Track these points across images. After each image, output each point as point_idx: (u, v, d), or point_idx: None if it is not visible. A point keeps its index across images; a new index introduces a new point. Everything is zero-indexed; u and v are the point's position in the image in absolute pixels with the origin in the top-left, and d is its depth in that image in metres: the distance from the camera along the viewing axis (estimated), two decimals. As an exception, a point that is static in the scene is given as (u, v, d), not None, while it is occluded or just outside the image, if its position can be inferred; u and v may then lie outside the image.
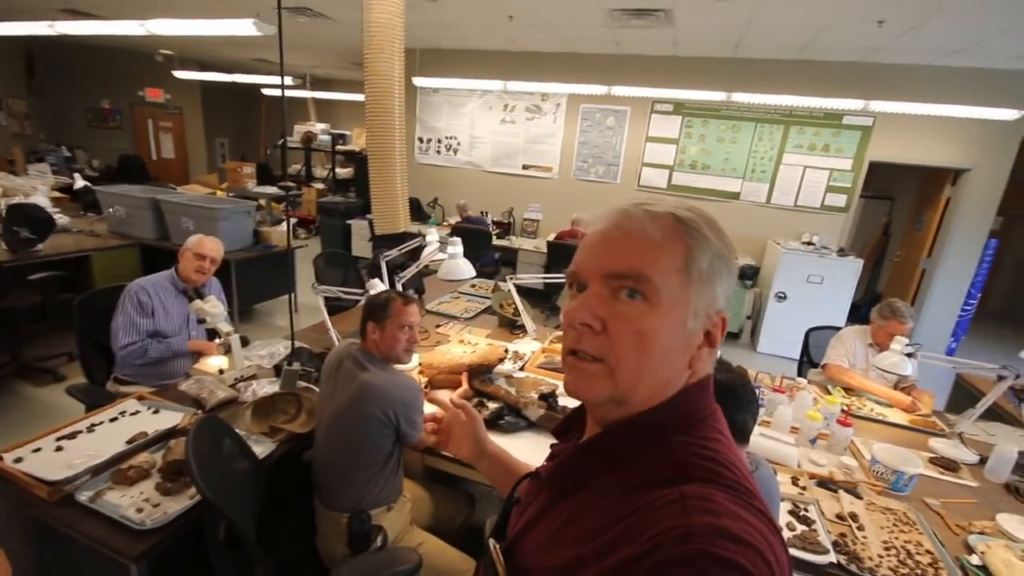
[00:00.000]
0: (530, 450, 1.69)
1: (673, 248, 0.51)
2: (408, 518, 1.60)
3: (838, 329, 2.68)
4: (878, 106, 3.91)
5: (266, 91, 8.89)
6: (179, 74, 7.16)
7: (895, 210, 6.67)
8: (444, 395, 1.94)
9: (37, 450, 1.42)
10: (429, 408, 1.78)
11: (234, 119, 10.60)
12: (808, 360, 2.95)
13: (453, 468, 1.66)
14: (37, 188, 4.93)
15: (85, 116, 9.14)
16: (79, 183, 5.38)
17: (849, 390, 2.41)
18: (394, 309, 1.58)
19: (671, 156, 5.53)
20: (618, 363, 0.51)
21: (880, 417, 2.20)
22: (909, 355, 1.98)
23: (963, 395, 2.76)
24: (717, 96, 4.29)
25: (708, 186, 5.42)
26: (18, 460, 1.36)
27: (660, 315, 0.50)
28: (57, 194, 5.21)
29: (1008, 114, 3.65)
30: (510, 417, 1.80)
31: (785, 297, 4.79)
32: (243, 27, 2.87)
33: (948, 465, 1.84)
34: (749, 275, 4.96)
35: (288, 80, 8.05)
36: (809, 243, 4.94)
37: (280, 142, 8.42)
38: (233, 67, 7.77)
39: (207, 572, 1.27)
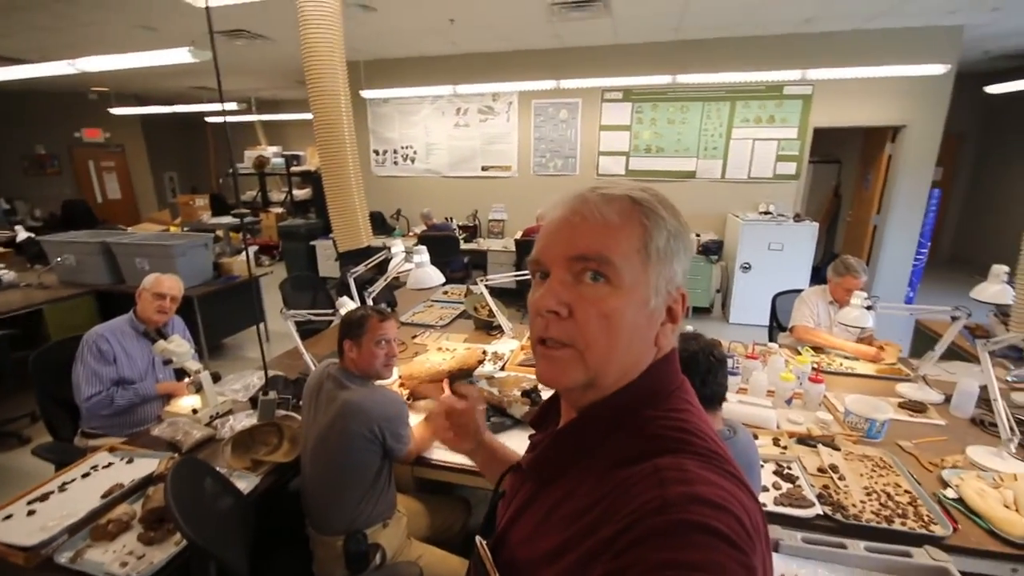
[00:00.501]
0: (518, 447, 1.69)
1: (631, 230, 0.52)
2: (405, 532, 1.59)
3: (801, 291, 2.77)
4: (815, 74, 4.05)
5: (210, 119, 8.65)
6: (116, 111, 6.91)
7: (843, 172, 6.94)
8: (428, 403, 1.93)
9: (8, 517, 1.36)
10: (414, 419, 1.76)
11: (180, 151, 10.28)
12: (777, 325, 3.05)
13: (444, 476, 1.65)
14: (-24, 246, 4.68)
15: (20, 165, 8.71)
16: (22, 235, 5.12)
17: (818, 348, 2.50)
18: (370, 326, 1.57)
19: (626, 142, 5.62)
20: (587, 346, 0.51)
21: (849, 370, 2.29)
22: (868, 308, 2.06)
23: (924, 340, 2.89)
24: (663, 79, 4.38)
25: (664, 168, 5.53)
26: (-13, 530, 1.30)
27: (624, 296, 0.51)
28: (0, 249, 4.96)
29: (937, 69, 3.84)
30: (495, 418, 1.80)
31: (750, 267, 4.93)
32: (178, 56, 2.79)
33: (916, 407, 1.93)
34: (714, 250, 5.09)
35: (232, 105, 7.87)
36: (766, 212, 5.09)
37: (230, 171, 8.21)
38: (173, 98, 7.53)
39: (203, 617, 1.24)
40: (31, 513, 1.38)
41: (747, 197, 5.38)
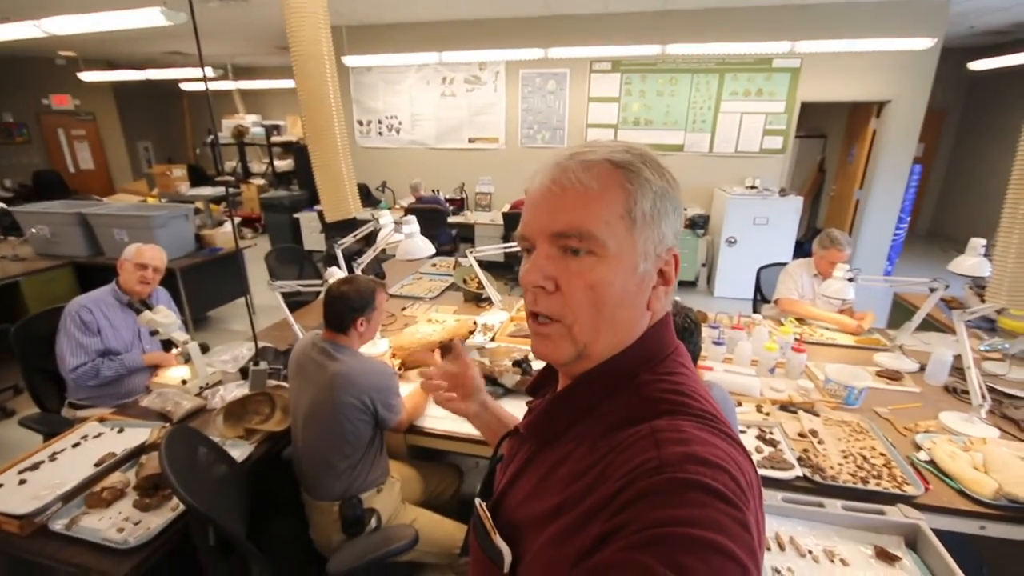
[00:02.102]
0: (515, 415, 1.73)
1: (612, 196, 0.50)
2: (399, 497, 1.62)
3: (784, 265, 2.83)
4: (804, 47, 4.04)
5: (185, 86, 8.33)
6: (86, 76, 6.59)
7: (828, 147, 6.99)
8: (422, 371, 1.95)
9: (-1, 487, 1.35)
10: (405, 389, 1.78)
11: (155, 120, 9.91)
12: (761, 297, 3.11)
13: (437, 444, 1.68)
14: (-56, 217, 4.50)
15: (-14, 133, 8.34)
16: (-9, 206, 4.94)
17: (800, 320, 2.56)
18: (380, 300, 1.60)
19: (614, 114, 5.57)
20: (575, 320, 0.51)
21: (830, 341, 2.36)
22: (850, 280, 2.11)
23: (901, 312, 2.98)
24: (652, 50, 4.33)
25: (653, 140, 5.50)
26: (-22, 500, 1.29)
27: (609, 266, 0.50)
28: (-32, 221, 4.78)
29: (923, 43, 3.85)
30: (487, 387, 1.82)
31: (735, 241, 4.99)
32: (150, 18, 2.67)
33: (892, 376, 2.01)
34: (700, 224, 5.12)
35: (208, 72, 7.56)
36: (752, 187, 5.13)
37: (209, 140, 7.96)
38: (146, 63, 7.20)
39: (202, 579, 1.26)
40: (22, 482, 1.37)
41: (734, 171, 5.40)
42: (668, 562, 0.37)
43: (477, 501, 0.61)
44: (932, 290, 2.05)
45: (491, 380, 1.84)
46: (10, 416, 2.99)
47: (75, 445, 1.55)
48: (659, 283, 0.54)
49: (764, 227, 4.89)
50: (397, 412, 1.54)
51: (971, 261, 2.08)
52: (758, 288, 3.13)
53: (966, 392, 1.82)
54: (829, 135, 6.90)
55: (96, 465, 1.43)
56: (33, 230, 3.86)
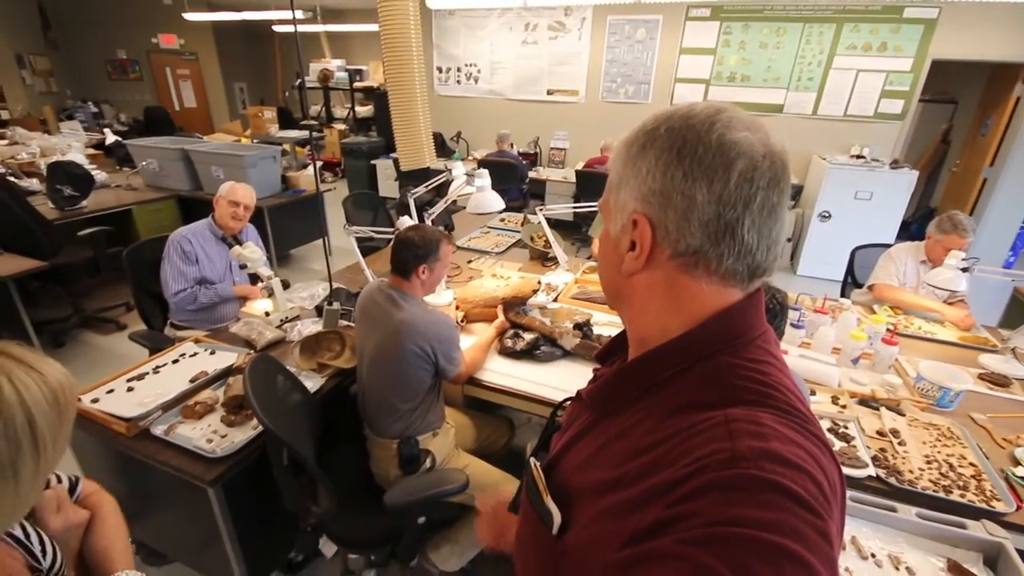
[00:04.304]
0: (567, 378, 1.73)
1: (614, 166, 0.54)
2: (453, 442, 1.69)
3: (887, 247, 2.55)
4: (946, -7, 3.47)
5: (277, 28, 8.59)
6: (189, 16, 6.96)
7: (957, 115, 6.09)
8: (481, 327, 1.98)
9: (111, 391, 1.55)
10: (465, 342, 1.82)
11: (250, 62, 10.37)
12: (852, 280, 2.84)
13: (492, 397, 1.73)
14: (72, 146, 5.04)
15: (105, 69, 9.13)
16: (110, 138, 5.46)
17: (896, 309, 2.33)
18: (444, 251, 1.61)
19: (707, 69, 5.14)
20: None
21: (928, 335, 2.13)
22: (964, 270, 1.87)
23: (1019, 310, 2.63)
24: (759, -4, 3.90)
25: (748, 99, 5.05)
26: (95, 400, 1.49)
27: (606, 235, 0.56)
28: (91, 151, 5.32)
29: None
30: (546, 347, 1.83)
31: (829, 216, 4.57)
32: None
33: (998, 381, 1.80)
34: (791, 195, 4.72)
35: (299, 14, 7.74)
36: (859, 156, 4.61)
37: (296, 83, 8.23)
38: (242, 4, 7.48)
39: (275, 493, 1.40)
40: (130, 390, 1.56)
41: (839, 137, 4.87)
42: (732, 564, 0.34)
43: (532, 460, 0.60)
44: (1066, 289, 1.78)
45: (551, 341, 1.84)
46: (122, 330, 3.40)
47: (175, 361, 1.73)
48: (628, 249, 0.52)
49: (867, 202, 4.42)
50: (457, 364, 1.58)
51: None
52: (850, 270, 2.86)
53: (1089, 408, 1.60)
54: (961, 100, 6.00)
55: (191, 381, 1.60)
56: (144, 163, 4.24)
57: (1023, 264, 4.91)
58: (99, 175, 4.16)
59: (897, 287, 2.37)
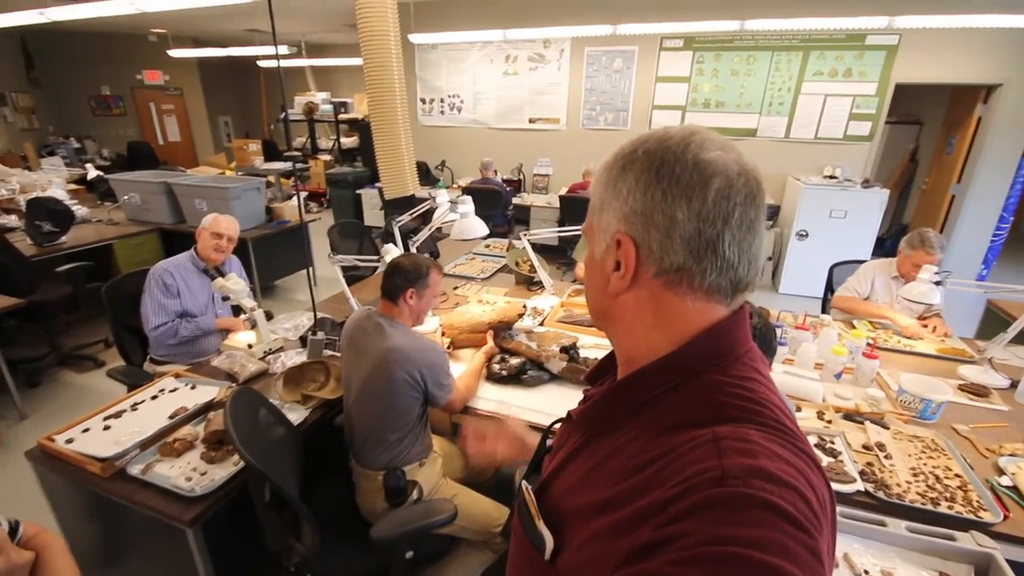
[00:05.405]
0: (554, 401, 1.73)
1: (595, 189, 0.56)
2: (440, 472, 1.66)
3: (863, 263, 2.62)
4: (904, 22, 3.64)
5: (262, 63, 8.72)
6: (174, 53, 7.05)
7: (923, 135, 6.34)
8: (468, 353, 1.97)
9: (86, 430, 1.50)
10: (455, 369, 1.81)
11: (234, 96, 10.48)
12: (832, 296, 2.89)
13: (480, 424, 1.70)
14: (53, 181, 5.00)
15: (88, 105, 9.13)
16: (92, 173, 5.42)
17: (874, 323, 2.38)
18: (433, 278, 1.62)
19: (683, 96, 5.31)
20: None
21: (908, 348, 2.17)
22: (937, 283, 1.92)
23: (994, 322, 2.69)
24: (730, 26, 4.05)
25: (722, 124, 5.21)
26: (69, 441, 1.44)
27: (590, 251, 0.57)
28: (72, 186, 5.28)
29: (1047, 19, 3.38)
30: (533, 371, 1.82)
31: (807, 235, 4.67)
32: (232, -5, 2.79)
33: (978, 391, 1.82)
34: (769, 215, 4.83)
35: (283, 49, 7.87)
36: (831, 176, 4.76)
37: (281, 116, 8.31)
38: (227, 40, 7.60)
39: (257, 532, 1.35)
40: (107, 428, 1.52)
41: (812, 159, 5.03)
42: None
43: (523, 484, 0.60)
44: (1035, 300, 1.84)
45: (537, 365, 1.83)
46: (100, 367, 3.32)
47: (154, 397, 1.69)
48: (614, 269, 0.53)
49: (841, 220, 4.54)
50: (448, 391, 1.56)
51: (1087, 269, 1.84)
52: (829, 287, 2.91)
53: (1066, 416, 1.63)
54: (925, 121, 6.26)
55: (170, 417, 1.56)
56: (126, 197, 4.22)
57: (996, 276, 5.05)
58: (80, 210, 4.12)
59: (850, 297, 2.47)
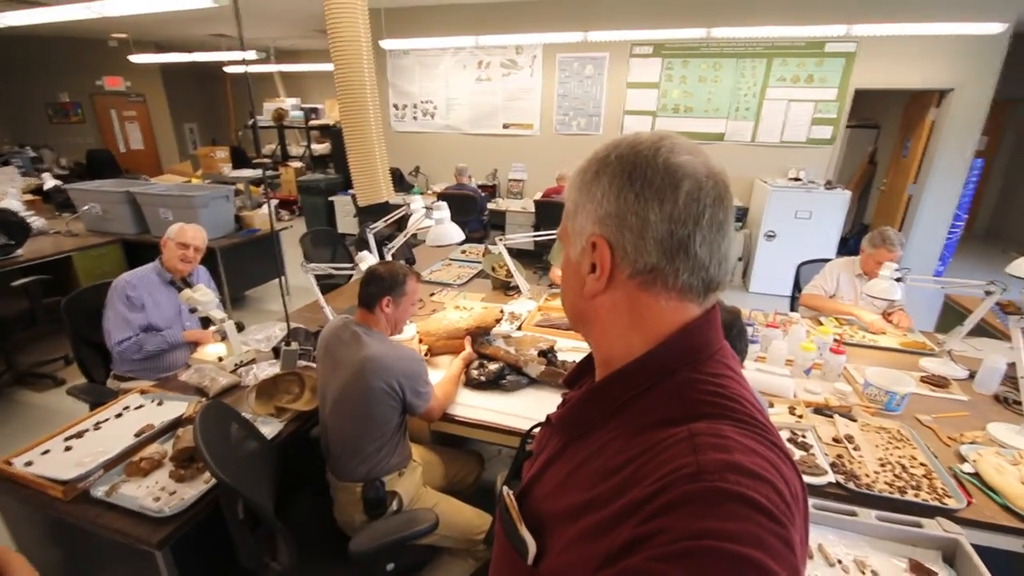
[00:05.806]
0: (534, 406, 1.73)
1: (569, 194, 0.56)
2: (420, 481, 1.64)
3: (828, 261, 2.71)
4: (861, 30, 3.80)
5: (228, 69, 8.54)
6: (136, 58, 6.84)
7: (881, 138, 6.62)
8: (446, 360, 1.96)
9: (46, 452, 1.43)
10: (433, 376, 1.80)
11: (200, 102, 10.23)
12: (799, 295, 2.98)
13: (459, 430, 1.70)
14: (7, 192, 4.76)
15: (45, 112, 8.77)
16: (49, 183, 5.19)
17: (841, 320, 2.46)
18: (411, 286, 1.61)
19: (653, 101, 5.41)
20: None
21: (871, 343, 2.25)
22: (898, 280, 2.00)
23: (952, 316, 2.81)
24: (697, 33, 4.16)
25: (692, 129, 5.33)
26: (28, 464, 1.37)
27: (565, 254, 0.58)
28: (29, 196, 5.05)
29: (993, 28, 3.57)
30: (511, 376, 1.82)
31: (774, 235, 4.81)
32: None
33: (939, 382, 1.90)
34: (738, 216, 4.96)
35: (251, 54, 7.74)
36: (796, 179, 4.91)
37: (249, 123, 8.16)
38: (192, 45, 7.41)
39: (230, 551, 1.31)
40: (68, 449, 1.45)
41: (777, 162, 5.19)
42: None
43: (504, 489, 0.59)
44: (988, 293, 1.93)
45: (516, 370, 1.83)
46: (60, 385, 3.17)
47: (118, 415, 1.63)
48: (589, 271, 0.54)
49: (807, 221, 4.69)
50: (426, 399, 1.55)
51: (1034, 264, 1.93)
52: (797, 285, 3.00)
53: (1018, 403, 1.72)
54: (883, 125, 6.53)
55: (136, 436, 1.50)
56: (86, 207, 4.06)
57: (952, 272, 5.29)
58: (36, 222, 3.94)
59: (817, 295, 2.57)
